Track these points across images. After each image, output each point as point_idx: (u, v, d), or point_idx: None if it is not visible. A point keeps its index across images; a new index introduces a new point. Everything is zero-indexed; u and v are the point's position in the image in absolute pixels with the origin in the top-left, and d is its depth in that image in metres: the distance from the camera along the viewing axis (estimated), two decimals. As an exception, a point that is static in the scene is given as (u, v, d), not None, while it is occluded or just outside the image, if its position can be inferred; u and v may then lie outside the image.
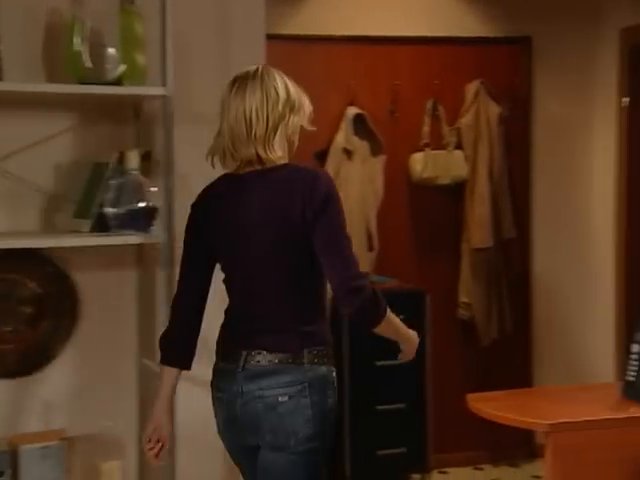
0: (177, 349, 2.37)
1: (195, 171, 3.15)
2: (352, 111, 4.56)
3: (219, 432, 2.37)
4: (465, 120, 4.75)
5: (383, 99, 4.67)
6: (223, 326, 2.37)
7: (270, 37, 3.46)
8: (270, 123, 2.31)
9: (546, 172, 4.91)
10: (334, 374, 2.29)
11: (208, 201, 2.38)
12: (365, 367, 4.37)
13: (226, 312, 2.38)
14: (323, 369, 2.24)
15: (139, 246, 3.04)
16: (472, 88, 4.77)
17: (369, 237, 4.55)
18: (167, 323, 2.42)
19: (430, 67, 4.73)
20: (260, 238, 2.26)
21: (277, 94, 2.34)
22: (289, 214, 2.23)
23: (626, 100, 4.75)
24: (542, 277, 4.91)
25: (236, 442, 2.32)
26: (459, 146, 4.75)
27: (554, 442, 2.07)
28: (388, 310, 2.29)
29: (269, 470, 2.23)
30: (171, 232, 2.81)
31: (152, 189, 2.84)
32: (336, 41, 4.57)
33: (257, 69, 2.39)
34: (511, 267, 4.82)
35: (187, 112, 3.09)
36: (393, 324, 2.34)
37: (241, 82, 2.35)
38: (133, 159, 2.82)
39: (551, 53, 4.87)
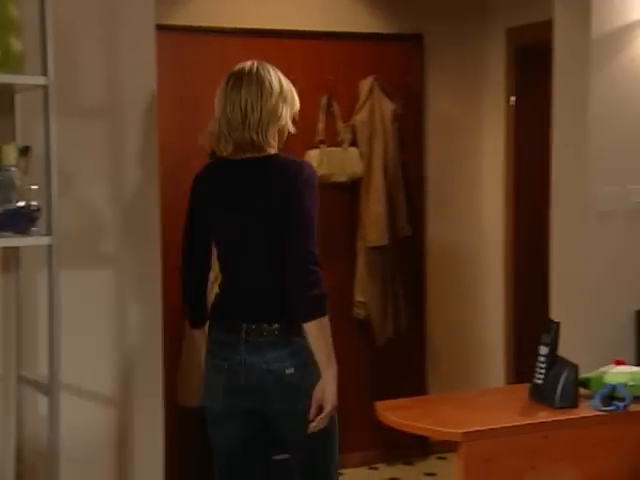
0: (194, 315, 2.68)
1: (80, 167, 2.97)
2: (245, 107, 4.39)
3: (207, 397, 2.54)
4: (360, 117, 4.64)
5: (277, 94, 4.52)
6: (219, 299, 2.55)
7: (160, 28, 3.24)
8: (264, 114, 2.50)
9: (439, 170, 4.86)
10: None
11: (203, 183, 2.63)
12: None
13: (221, 286, 2.55)
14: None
15: (17, 249, 2.81)
16: (366, 84, 4.67)
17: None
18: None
19: (324, 62, 4.60)
20: (249, 219, 2.46)
21: (271, 87, 2.54)
22: (273, 198, 2.43)
23: (513, 99, 4.76)
24: (436, 275, 4.88)
25: (233, 406, 2.44)
26: (354, 143, 4.65)
27: (467, 451, 1.97)
28: (325, 321, 2.44)
29: (288, 440, 2.47)
30: (54, 234, 2.59)
31: (32, 187, 2.61)
32: (229, 33, 4.37)
33: (252, 65, 2.59)
34: (406, 265, 4.77)
35: (71, 104, 2.88)
36: (327, 331, 2.44)
37: (236, 78, 2.56)
38: (10, 154, 2.57)
39: (442, 51, 4.80)
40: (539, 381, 2.23)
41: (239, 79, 2.55)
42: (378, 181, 4.64)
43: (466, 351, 4.83)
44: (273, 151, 2.54)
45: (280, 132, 2.61)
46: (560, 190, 3.81)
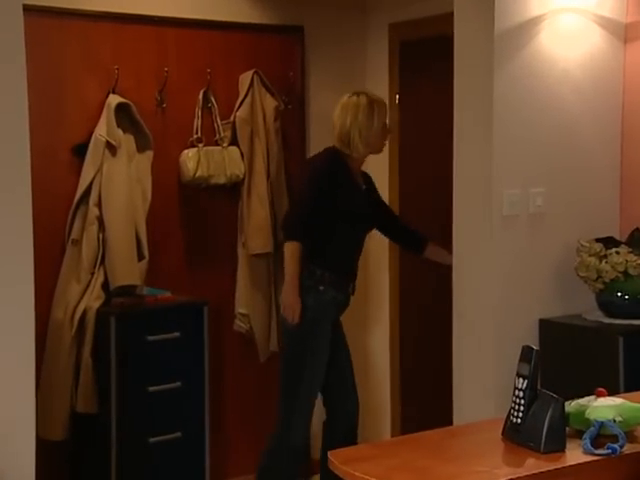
0: None
1: None
2: (114, 100, 3.77)
3: (317, 319, 3.44)
4: (240, 113, 4.12)
5: (150, 87, 3.90)
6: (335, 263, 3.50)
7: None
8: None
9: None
10: None
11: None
12: (136, 394, 3.68)
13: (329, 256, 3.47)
14: None
15: None
16: (246, 79, 4.17)
17: (138, 245, 3.82)
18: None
19: (201, 54, 4.02)
20: None
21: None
22: None
23: (397, 97, 4.46)
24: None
25: (332, 320, 3.50)
26: (234, 142, 4.16)
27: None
28: (290, 244, 3.40)
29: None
30: None
31: None
32: (96, 18, 3.74)
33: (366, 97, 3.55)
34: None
35: None
36: (287, 254, 3.42)
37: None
38: None
39: (323, 45, 4.36)
40: (517, 420, 1.85)
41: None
42: (261, 183, 4.15)
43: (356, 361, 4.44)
44: None
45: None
46: (463, 193, 3.49)
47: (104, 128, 3.73)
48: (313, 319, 3.41)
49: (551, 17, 3.33)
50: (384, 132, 3.57)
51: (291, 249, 3.37)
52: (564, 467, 1.78)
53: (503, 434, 1.94)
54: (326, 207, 3.42)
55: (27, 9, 2.59)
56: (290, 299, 3.37)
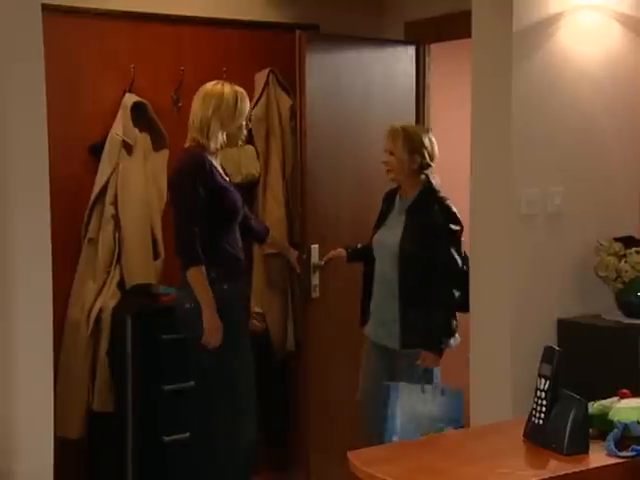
0: None
1: None
2: (131, 99, 3.77)
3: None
4: (255, 112, 4.12)
5: (166, 86, 3.91)
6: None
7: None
8: None
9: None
10: None
11: None
12: (151, 392, 3.68)
13: None
14: None
15: None
16: (262, 77, 4.17)
17: (154, 243, 3.81)
18: None
19: (218, 53, 4.02)
20: None
21: None
22: None
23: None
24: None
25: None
26: (249, 141, 4.16)
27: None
28: (194, 270, 3.22)
29: None
30: None
31: None
32: (112, 17, 3.75)
33: None
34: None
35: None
36: (195, 281, 3.24)
37: None
38: None
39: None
40: (539, 421, 1.83)
41: None
42: (276, 182, 4.14)
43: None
44: None
45: None
46: (481, 192, 3.46)
47: (120, 127, 3.72)
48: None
49: (570, 15, 3.29)
50: (242, 126, 3.42)
51: (196, 275, 3.21)
52: (588, 469, 1.75)
53: (524, 435, 1.92)
54: (209, 213, 3.27)
55: (45, 8, 2.59)
56: (217, 323, 3.24)
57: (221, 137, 3.33)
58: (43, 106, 2.51)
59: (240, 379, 3.35)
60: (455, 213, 3.45)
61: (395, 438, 3.19)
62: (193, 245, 3.20)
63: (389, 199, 3.56)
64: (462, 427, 3.17)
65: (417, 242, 3.40)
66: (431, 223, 3.41)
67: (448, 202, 3.47)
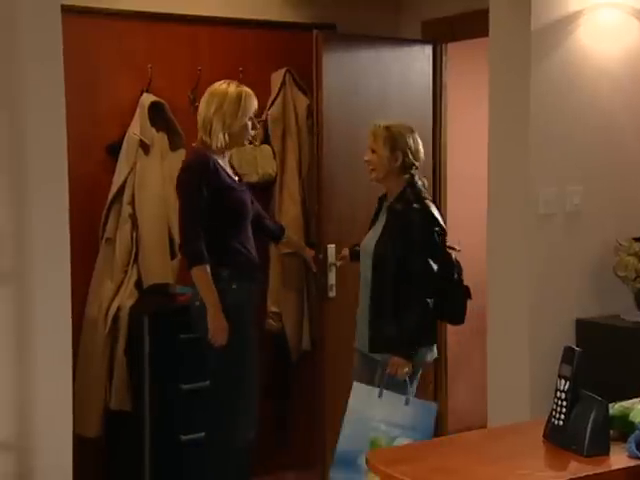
0: None
1: None
2: (148, 99, 3.78)
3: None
4: (272, 112, 4.11)
5: (183, 86, 3.90)
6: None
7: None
8: None
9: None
10: None
11: None
12: (168, 392, 3.68)
13: None
14: None
15: None
16: (278, 77, 4.17)
17: (171, 243, 3.82)
18: None
19: (234, 52, 4.01)
20: None
21: None
22: None
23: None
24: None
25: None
26: (266, 140, 4.16)
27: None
28: (197, 269, 3.19)
29: None
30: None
31: None
32: (130, 17, 3.75)
33: None
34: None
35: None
36: (199, 280, 3.21)
37: None
38: None
39: (355, 43, 4.40)
40: (559, 422, 1.81)
41: None
42: (292, 181, 4.14)
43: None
44: None
45: None
46: (498, 191, 3.45)
47: (138, 127, 3.73)
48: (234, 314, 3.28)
49: (589, 12, 3.27)
50: (247, 126, 3.34)
51: (199, 274, 3.18)
52: (609, 471, 1.74)
53: (544, 436, 1.91)
54: (215, 212, 3.24)
55: (62, 9, 2.60)
56: (222, 323, 3.20)
57: (222, 137, 3.27)
58: (62, 106, 2.52)
59: (242, 380, 3.33)
60: (433, 215, 3.22)
61: (341, 436, 3.15)
62: (196, 244, 3.16)
63: (381, 200, 3.42)
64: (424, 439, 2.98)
65: (391, 243, 3.21)
66: (406, 223, 3.20)
67: (428, 202, 3.25)
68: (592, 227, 3.40)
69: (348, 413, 3.22)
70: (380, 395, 3.16)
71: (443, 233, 3.25)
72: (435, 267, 3.18)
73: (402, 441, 3.03)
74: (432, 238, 3.20)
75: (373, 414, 3.16)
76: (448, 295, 3.25)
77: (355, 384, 3.25)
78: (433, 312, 3.20)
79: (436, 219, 3.23)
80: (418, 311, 3.15)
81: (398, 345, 3.17)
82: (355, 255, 3.56)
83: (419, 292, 3.16)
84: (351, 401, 3.21)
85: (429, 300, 3.16)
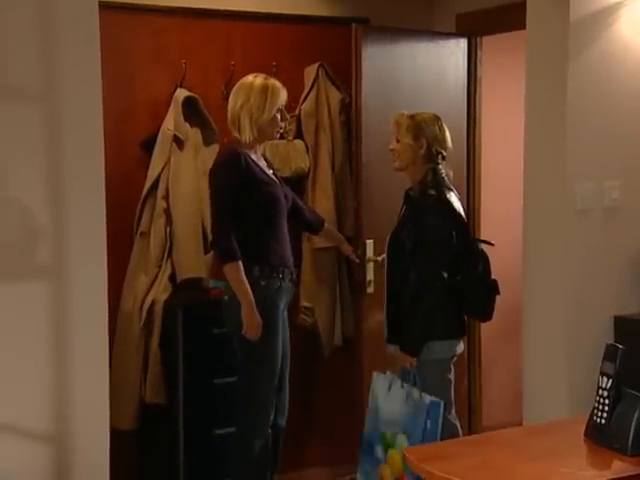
0: None
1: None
2: (182, 94, 3.78)
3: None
4: (305, 107, 4.09)
5: (217, 81, 3.89)
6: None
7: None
8: None
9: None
10: None
11: None
12: (202, 385, 3.70)
13: None
14: None
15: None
16: (311, 72, 4.15)
17: (205, 238, 3.82)
18: None
19: (267, 47, 3.99)
20: None
21: None
22: None
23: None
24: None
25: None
26: (299, 135, 4.14)
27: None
28: (229, 266, 3.19)
29: None
30: None
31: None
32: (164, 13, 3.75)
33: None
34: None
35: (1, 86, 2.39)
36: (231, 277, 3.21)
37: None
38: None
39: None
40: (601, 420, 1.78)
41: None
42: (325, 176, 4.11)
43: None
44: None
45: None
46: (534, 187, 3.40)
47: (172, 122, 3.73)
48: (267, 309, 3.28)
49: (630, 3, 3.21)
50: (276, 119, 3.31)
51: (231, 271, 3.17)
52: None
53: (585, 434, 1.88)
54: (247, 208, 3.24)
55: (100, 5, 2.60)
56: (256, 319, 3.20)
57: (251, 130, 3.24)
58: (99, 102, 2.53)
59: (270, 376, 3.33)
60: (449, 202, 3.12)
61: (366, 422, 3.21)
62: (228, 241, 3.15)
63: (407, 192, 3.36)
64: (421, 441, 2.93)
65: (406, 230, 3.16)
66: (421, 209, 3.13)
67: (446, 191, 3.15)
68: (630, 222, 3.35)
69: (370, 400, 3.26)
70: (402, 386, 3.13)
71: (461, 222, 3.17)
72: (445, 259, 3.11)
73: (402, 438, 3.02)
74: (447, 225, 3.11)
75: (382, 406, 3.20)
76: (467, 288, 3.16)
77: (375, 374, 3.26)
78: (450, 305, 3.13)
79: (453, 207, 3.14)
80: (425, 304, 3.07)
81: (399, 336, 3.17)
82: None
83: (429, 281, 3.09)
84: (370, 390, 3.26)
85: (437, 292, 3.07)
